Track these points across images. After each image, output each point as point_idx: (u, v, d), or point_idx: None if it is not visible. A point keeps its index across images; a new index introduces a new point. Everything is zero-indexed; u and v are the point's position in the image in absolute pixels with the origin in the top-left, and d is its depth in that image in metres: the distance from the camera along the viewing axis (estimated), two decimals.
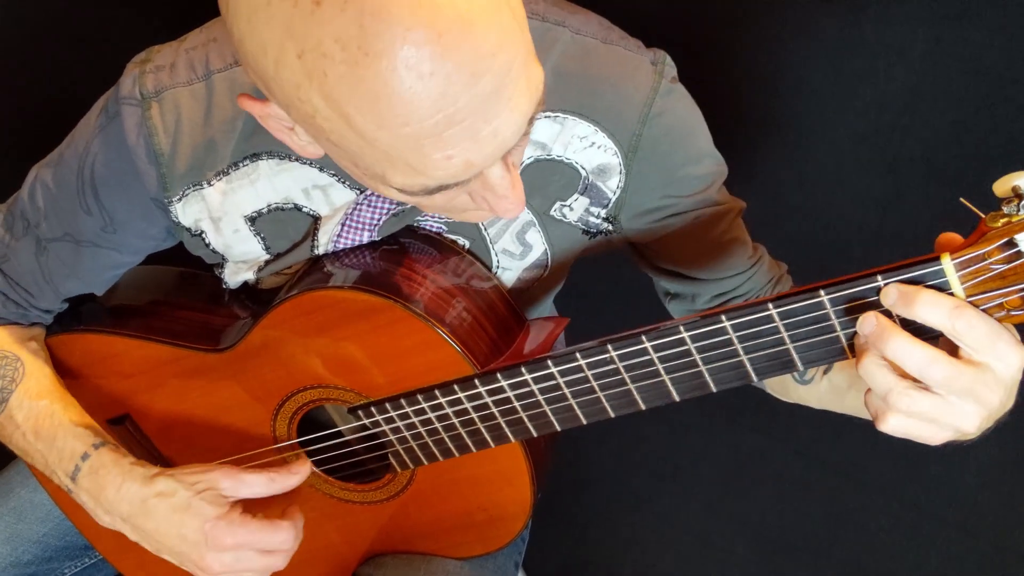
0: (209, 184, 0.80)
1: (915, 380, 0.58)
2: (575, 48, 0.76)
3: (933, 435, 0.60)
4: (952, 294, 0.57)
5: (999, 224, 0.55)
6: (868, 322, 0.59)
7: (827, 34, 1.22)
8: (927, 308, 0.56)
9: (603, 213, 0.83)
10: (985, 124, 1.18)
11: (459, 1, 0.52)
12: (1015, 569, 1.33)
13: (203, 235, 0.84)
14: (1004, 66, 1.14)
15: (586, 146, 0.79)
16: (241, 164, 0.80)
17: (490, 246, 0.85)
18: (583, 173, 0.80)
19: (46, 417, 0.85)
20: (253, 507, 0.82)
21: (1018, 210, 0.55)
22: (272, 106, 0.63)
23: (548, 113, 0.77)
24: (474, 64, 0.53)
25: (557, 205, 0.82)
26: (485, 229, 0.84)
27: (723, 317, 0.64)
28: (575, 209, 0.83)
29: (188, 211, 0.82)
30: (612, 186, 0.81)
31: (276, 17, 0.53)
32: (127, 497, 0.80)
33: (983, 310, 0.57)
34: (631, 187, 0.81)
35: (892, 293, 0.58)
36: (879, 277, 0.58)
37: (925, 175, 1.24)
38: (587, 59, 0.77)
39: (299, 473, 0.82)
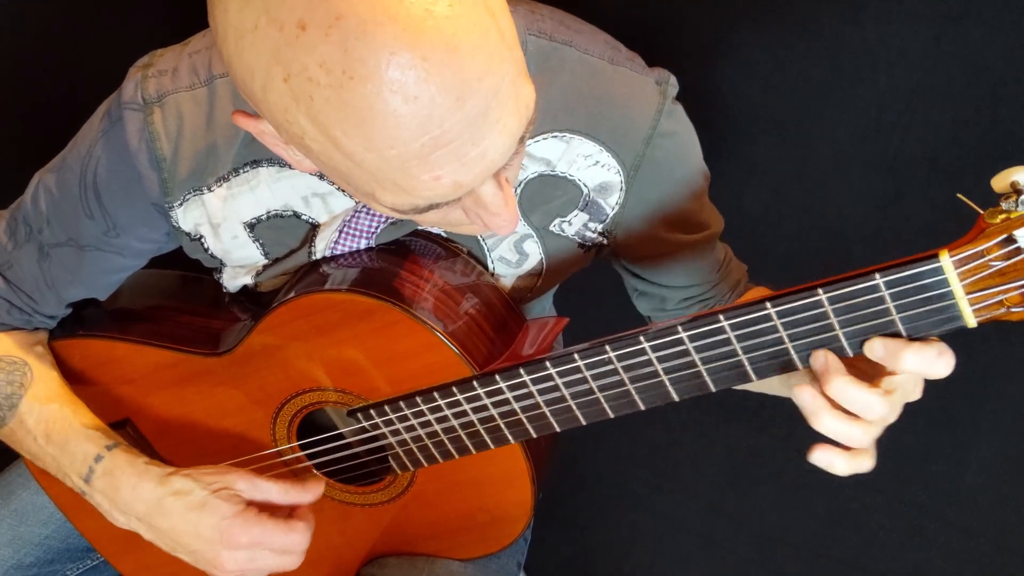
0: (210, 190, 0.80)
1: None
2: (582, 69, 0.77)
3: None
4: (952, 292, 0.57)
5: (997, 220, 0.55)
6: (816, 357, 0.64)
7: (827, 33, 1.22)
8: (913, 359, 0.60)
9: (600, 228, 0.84)
10: (985, 123, 1.18)
11: (444, 24, 0.52)
12: (1015, 569, 1.33)
13: (202, 240, 0.84)
14: (1004, 65, 1.14)
15: (590, 164, 0.80)
16: (242, 170, 0.79)
17: (487, 253, 0.85)
18: (585, 190, 0.81)
19: (57, 421, 0.85)
20: (263, 509, 0.82)
21: (1016, 206, 0.54)
22: (265, 123, 0.63)
23: (556, 133, 0.78)
24: (460, 88, 0.53)
25: (557, 221, 0.84)
26: (483, 239, 0.85)
27: (721, 317, 0.64)
28: (573, 224, 0.84)
29: (188, 216, 0.82)
30: (611, 203, 0.82)
31: (262, 42, 0.53)
32: (142, 497, 0.80)
33: (983, 307, 0.57)
34: (629, 204, 0.82)
35: (878, 349, 0.62)
36: (877, 275, 0.58)
37: (925, 174, 1.23)
38: (594, 80, 0.77)
39: (312, 491, 0.84)
